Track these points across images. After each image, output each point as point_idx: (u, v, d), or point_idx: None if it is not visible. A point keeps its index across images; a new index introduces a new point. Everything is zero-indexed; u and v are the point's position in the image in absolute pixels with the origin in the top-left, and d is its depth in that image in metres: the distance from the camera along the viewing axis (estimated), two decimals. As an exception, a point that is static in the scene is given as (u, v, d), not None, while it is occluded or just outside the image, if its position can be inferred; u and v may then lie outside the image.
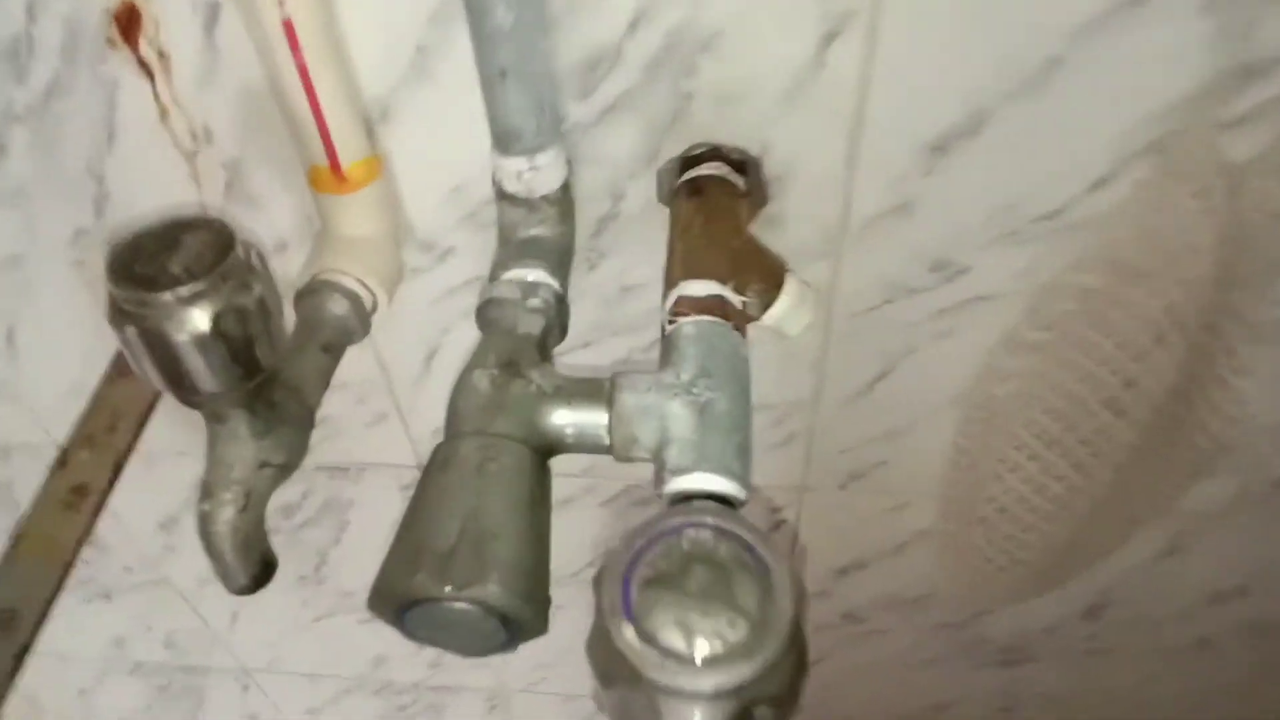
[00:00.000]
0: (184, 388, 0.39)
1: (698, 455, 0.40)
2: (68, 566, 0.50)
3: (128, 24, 0.49)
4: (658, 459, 0.42)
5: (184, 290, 0.37)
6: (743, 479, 0.41)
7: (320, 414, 0.74)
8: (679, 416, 0.41)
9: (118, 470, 0.54)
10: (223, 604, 1.00)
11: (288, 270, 0.62)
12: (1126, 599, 0.84)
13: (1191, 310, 0.50)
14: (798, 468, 0.72)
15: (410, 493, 0.82)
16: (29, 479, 0.84)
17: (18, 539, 0.50)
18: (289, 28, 0.45)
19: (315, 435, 0.77)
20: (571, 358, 0.64)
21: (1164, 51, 0.45)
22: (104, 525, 0.91)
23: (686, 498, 0.40)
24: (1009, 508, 0.64)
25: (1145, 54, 0.46)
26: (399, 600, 0.37)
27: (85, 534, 0.51)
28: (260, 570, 0.45)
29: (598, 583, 0.28)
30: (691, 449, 0.41)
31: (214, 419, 0.43)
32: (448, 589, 0.36)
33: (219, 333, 0.38)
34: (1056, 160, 0.51)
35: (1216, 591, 0.81)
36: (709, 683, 0.25)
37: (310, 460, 0.80)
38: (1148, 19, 0.44)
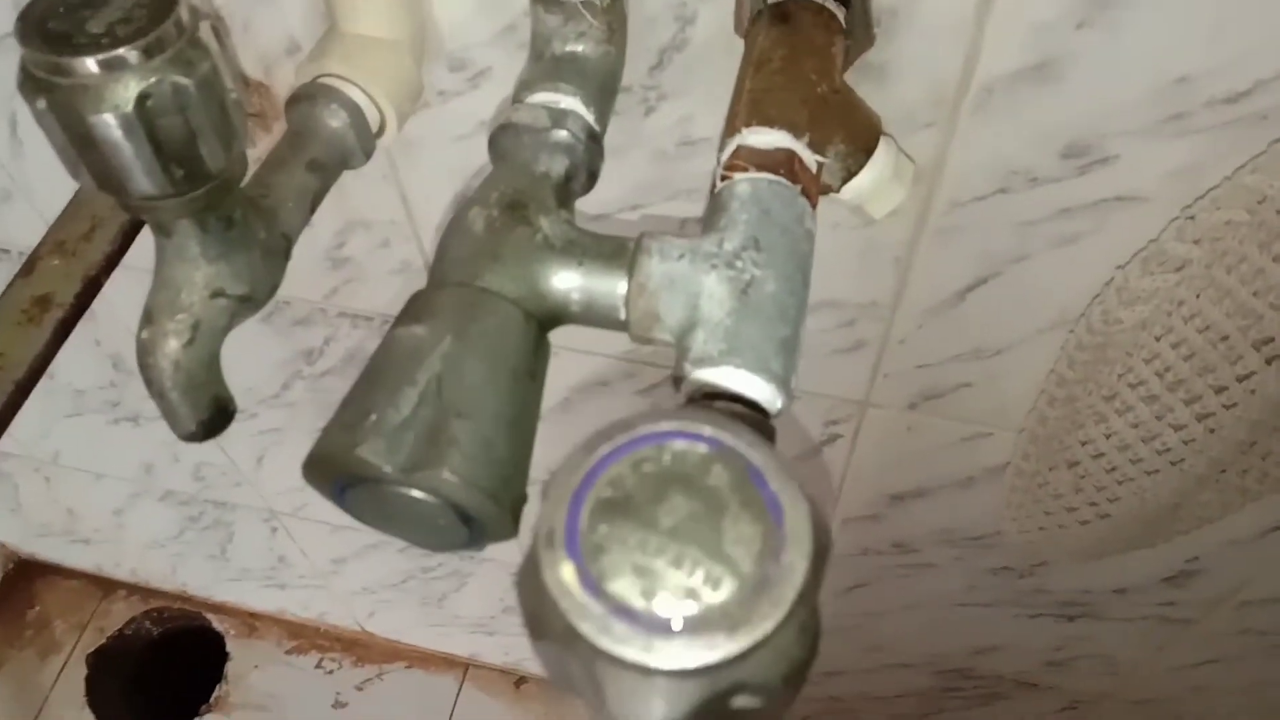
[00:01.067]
0: (110, 185, 0.32)
1: (730, 345, 0.32)
2: (21, 386, 0.44)
3: None
4: (681, 344, 0.33)
5: (104, 55, 0.29)
6: (783, 381, 0.32)
7: (342, 254, 0.68)
8: (714, 294, 0.33)
9: (91, 285, 0.48)
10: (248, 444, 0.97)
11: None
12: (1220, 570, 0.74)
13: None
14: (863, 379, 0.63)
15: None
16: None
17: (-32, 347, 0.45)
18: None
19: (336, 278, 0.70)
20: (614, 223, 0.56)
21: None
22: (126, 348, 0.88)
23: (709, 396, 0.32)
24: (1107, 453, 0.54)
25: None
26: (335, 473, 0.30)
27: (47, 352, 0.46)
28: (212, 415, 0.39)
29: (545, 495, 0.20)
30: (724, 335, 0.32)
31: (159, 230, 0.35)
32: (389, 469, 0.29)
33: (147, 116, 0.30)
34: (1256, 27, 0.39)
35: (1329, 578, 0.71)
36: (672, 657, 0.18)
37: (333, 304, 0.74)
38: None
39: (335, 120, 0.42)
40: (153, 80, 0.30)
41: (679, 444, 0.20)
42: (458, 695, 1.42)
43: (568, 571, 0.18)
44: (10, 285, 0.48)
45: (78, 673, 1.46)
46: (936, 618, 0.91)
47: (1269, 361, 0.44)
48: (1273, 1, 0.38)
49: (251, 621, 1.48)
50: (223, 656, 1.47)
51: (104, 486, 1.17)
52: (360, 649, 1.46)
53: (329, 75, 0.43)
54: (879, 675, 1.06)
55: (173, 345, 0.36)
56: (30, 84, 0.30)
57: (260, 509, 1.11)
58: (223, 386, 0.39)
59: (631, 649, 0.18)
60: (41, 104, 0.30)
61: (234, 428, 0.98)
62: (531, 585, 0.19)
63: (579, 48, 0.40)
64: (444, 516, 0.30)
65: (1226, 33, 0.39)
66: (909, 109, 0.45)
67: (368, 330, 0.74)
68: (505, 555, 1.06)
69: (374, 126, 0.44)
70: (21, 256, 0.76)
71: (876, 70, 0.44)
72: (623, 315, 0.34)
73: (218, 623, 1.49)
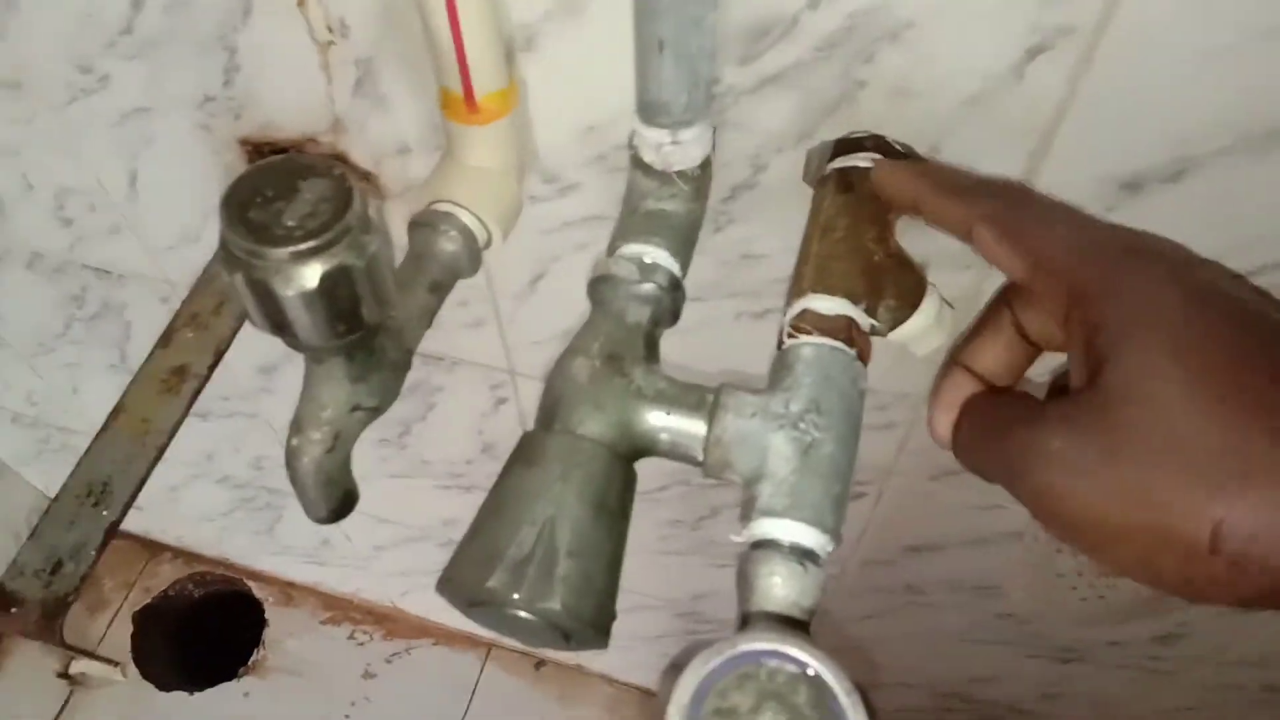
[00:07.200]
0: (284, 334, 0.38)
1: (792, 500, 0.38)
2: (160, 449, 0.51)
3: (274, -94, 0.46)
4: (749, 490, 0.40)
5: (296, 247, 0.35)
6: (834, 533, 0.38)
7: (421, 306, 0.74)
8: (780, 452, 0.39)
9: (219, 355, 0.55)
10: (308, 445, 1.04)
11: (406, 173, 0.60)
12: (1204, 635, 0.80)
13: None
14: (891, 453, 0.70)
15: (497, 393, 0.82)
16: (142, 305, 0.87)
17: (116, 411, 0.52)
18: (439, -53, 0.41)
19: (413, 324, 0.77)
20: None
21: None
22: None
23: (770, 543, 0.38)
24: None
25: None
26: (469, 598, 0.37)
27: (181, 418, 0.52)
28: (340, 505, 0.46)
29: (664, 683, 0.27)
30: (787, 491, 0.38)
31: (313, 359, 0.42)
32: (516, 598, 0.35)
33: (326, 292, 0.36)
34: (1263, 223, 0.44)
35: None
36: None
37: (406, 343, 0.81)
38: None
39: (451, 245, 0.48)
40: (332, 266, 0.36)
41: (773, 664, 0.26)
42: (480, 673, 1.51)
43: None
44: (151, 356, 0.54)
45: (124, 628, 1.56)
46: (937, 649, 0.98)
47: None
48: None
49: (289, 591, 1.57)
50: (261, 622, 1.56)
51: (163, 467, 1.24)
52: (390, 623, 1.55)
53: (446, 201, 0.49)
54: (879, 692, 1.14)
55: (317, 452, 0.43)
56: (230, 260, 0.36)
57: (311, 499, 1.19)
58: (351, 482, 0.46)
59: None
60: (239, 278, 0.36)
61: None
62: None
63: (668, 206, 0.46)
64: (551, 632, 0.37)
65: (1239, 225, 0.45)
66: (951, 254, 0.51)
67: (436, 369, 0.81)
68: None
69: (482, 243, 0.50)
70: (121, 279, 0.83)
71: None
72: (700, 458, 0.41)
73: (257, 590, 1.58)
